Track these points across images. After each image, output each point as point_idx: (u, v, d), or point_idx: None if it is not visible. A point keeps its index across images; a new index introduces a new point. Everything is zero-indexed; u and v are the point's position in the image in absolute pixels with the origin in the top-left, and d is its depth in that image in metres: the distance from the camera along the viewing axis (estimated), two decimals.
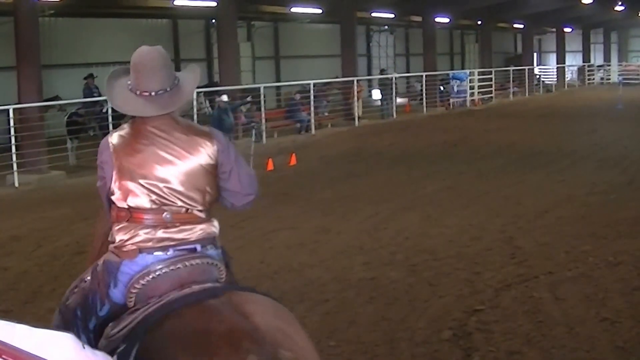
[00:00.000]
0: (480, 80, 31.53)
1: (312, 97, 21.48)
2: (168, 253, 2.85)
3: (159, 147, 2.89)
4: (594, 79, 45.75)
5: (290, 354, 2.43)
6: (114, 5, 23.09)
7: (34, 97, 14.71)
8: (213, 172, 2.96)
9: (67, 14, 22.39)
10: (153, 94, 2.91)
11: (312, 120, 21.52)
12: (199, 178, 2.92)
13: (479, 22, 35.59)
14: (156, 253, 2.85)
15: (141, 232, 2.86)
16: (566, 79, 43.05)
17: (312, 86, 21.68)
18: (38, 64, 15.03)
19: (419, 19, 31.41)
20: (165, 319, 2.59)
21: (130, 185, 2.87)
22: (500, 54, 44.87)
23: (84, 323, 2.92)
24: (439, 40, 33.24)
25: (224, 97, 17.37)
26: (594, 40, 48.46)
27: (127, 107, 2.96)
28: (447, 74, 31.29)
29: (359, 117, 23.79)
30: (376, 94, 30.04)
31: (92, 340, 2.80)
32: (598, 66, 47.63)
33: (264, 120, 19.84)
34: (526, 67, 36.76)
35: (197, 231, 2.91)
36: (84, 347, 2.28)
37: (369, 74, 34.58)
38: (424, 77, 27.91)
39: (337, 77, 26.56)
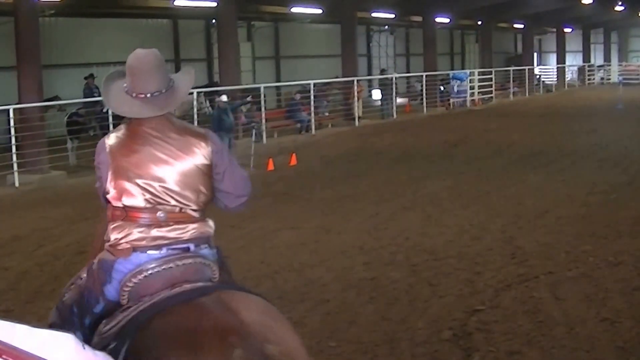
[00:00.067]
0: (480, 80, 31.53)
1: (312, 97, 21.49)
2: (161, 252, 2.88)
3: (154, 147, 2.92)
4: (594, 79, 45.74)
5: (276, 349, 2.45)
6: (114, 5, 23.08)
7: (34, 97, 14.71)
8: (208, 172, 2.99)
9: (67, 14, 22.37)
10: (149, 95, 2.95)
11: (313, 120, 21.53)
12: (193, 178, 2.95)
13: (479, 22, 35.59)
14: (150, 252, 2.88)
15: (135, 230, 2.89)
16: (566, 79, 43.04)
17: (312, 86, 21.69)
18: (38, 63, 15.03)
19: (419, 19, 31.42)
20: (155, 317, 2.62)
21: (126, 184, 2.90)
22: (501, 54, 44.84)
23: (80, 320, 2.95)
24: (439, 40, 33.21)
25: (224, 97, 17.34)
26: (594, 40, 48.49)
27: (123, 108, 2.99)
28: (447, 74, 31.25)
29: (359, 117, 23.79)
30: (376, 94, 30.03)
31: (88, 336, 2.82)
32: (598, 66, 47.63)
33: (264, 120, 19.84)
34: (526, 67, 36.78)
35: (190, 230, 2.93)
36: (84, 348, 2.28)
37: (369, 74, 34.55)
38: (424, 77, 27.91)
39: (337, 77, 26.57)
